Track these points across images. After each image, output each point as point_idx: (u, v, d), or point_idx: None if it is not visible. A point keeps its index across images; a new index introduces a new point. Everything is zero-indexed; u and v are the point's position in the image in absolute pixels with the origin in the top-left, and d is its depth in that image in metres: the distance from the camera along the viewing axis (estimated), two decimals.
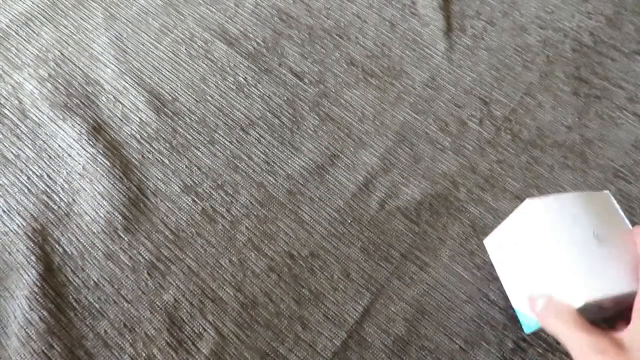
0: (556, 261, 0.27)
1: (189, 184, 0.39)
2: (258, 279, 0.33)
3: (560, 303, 0.28)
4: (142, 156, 0.41)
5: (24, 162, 0.40)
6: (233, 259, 0.37)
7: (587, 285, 0.26)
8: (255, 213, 0.39)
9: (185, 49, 0.45)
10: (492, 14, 0.46)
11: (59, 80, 0.43)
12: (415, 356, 0.34)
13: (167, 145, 0.41)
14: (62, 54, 0.45)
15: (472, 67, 0.44)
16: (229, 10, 0.47)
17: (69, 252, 0.37)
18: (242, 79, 0.44)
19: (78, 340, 0.34)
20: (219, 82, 0.43)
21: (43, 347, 0.34)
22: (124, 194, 0.39)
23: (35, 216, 0.38)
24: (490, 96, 0.43)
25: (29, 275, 0.36)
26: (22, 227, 0.38)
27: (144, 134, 0.41)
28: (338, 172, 0.40)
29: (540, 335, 0.34)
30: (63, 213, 0.38)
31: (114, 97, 0.43)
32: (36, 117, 0.42)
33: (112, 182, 0.39)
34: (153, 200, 0.39)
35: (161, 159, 0.40)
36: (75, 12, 0.47)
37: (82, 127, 0.41)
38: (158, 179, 0.40)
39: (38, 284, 0.36)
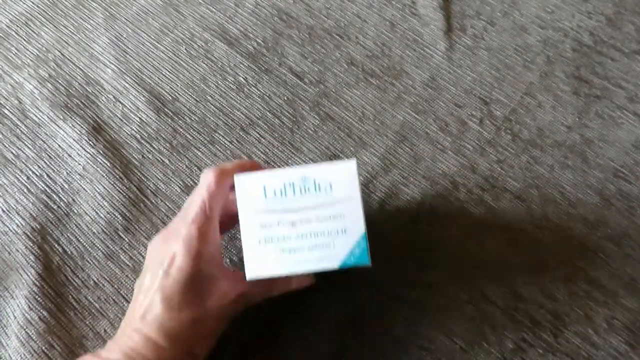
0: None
1: (189, 184, 0.39)
2: None
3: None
4: (142, 156, 0.41)
5: (23, 162, 0.40)
6: (234, 258, 0.37)
7: None
8: None
9: (185, 49, 0.45)
10: (492, 13, 0.46)
11: (59, 80, 0.44)
12: (415, 356, 0.34)
13: (167, 145, 0.41)
14: (62, 54, 0.45)
15: (472, 67, 0.44)
16: (229, 10, 0.47)
17: (69, 252, 0.37)
18: (242, 79, 0.44)
19: (78, 339, 0.34)
20: (219, 82, 0.44)
21: (43, 347, 0.34)
22: (124, 194, 0.39)
23: (35, 216, 0.38)
24: (490, 96, 0.43)
25: (28, 275, 0.36)
26: (21, 226, 0.38)
27: (144, 134, 0.41)
28: None
29: (541, 335, 0.35)
30: (63, 213, 0.38)
31: (114, 97, 0.43)
32: (36, 117, 0.42)
33: (112, 182, 0.39)
34: (153, 200, 0.39)
35: (161, 159, 0.40)
36: (75, 12, 0.47)
37: (82, 127, 0.41)
38: (158, 179, 0.40)
39: (37, 283, 0.36)
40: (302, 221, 0.27)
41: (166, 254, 0.28)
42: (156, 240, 0.30)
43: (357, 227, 0.27)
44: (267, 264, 0.26)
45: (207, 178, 0.29)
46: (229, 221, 0.32)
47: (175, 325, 0.27)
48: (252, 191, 0.27)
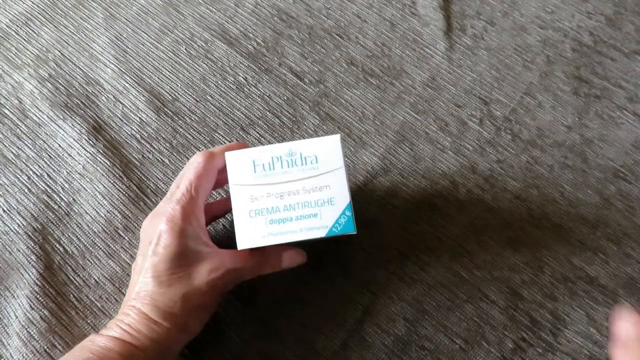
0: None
1: None
2: (259, 278, 0.33)
3: None
4: (142, 156, 0.41)
5: (24, 162, 0.40)
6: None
7: None
8: None
9: (185, 49, 0.45)
10: (492, 13, 0.46)
11: (59, 80, 0.44)
12: (415, 356, 0.34)
13: (167, 145, 0.41)
14: (62, 53, 0.45)
15: (472, 67, 0.44)
16: (229, 10, 0.47)
17: (70, 251, 0.37)
18: (242, 79, 0.44)
19: (80, 338, 0.34)
20: (219, 82, 0.44)
21: (45, 346, 0.34)
22: (124, 193, 0.39)
23: (36, 216, 0.38)
24: (490, 96, 0.43)
25: (29, 275, 0.36)
26: (22, 226, 0.38)
27: (144, 133, 0.41)
28: None
29: (541, 335, 0.35)
30: (63, 212, 0.38)
31: (114, 97, 0.43)
32: (36, 116, 0.42)
33: (112, 182, 0.39)
34: (153, 200, 0.39)
35: (161, 159, 0.41)
36: (75, 12, 0.47)
37: (82, 126, 0.41)
38: (158, 178, 0.40)
39: (39, 283, 0.36)
40: (289, 193, 0.28)
41: (154, 234, 0.29)
42: (146, 222, 0.31)
43: (342, 197, 0.27)
44: (257, 235, 0.27)
45: (195, 160, 0.30)
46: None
47: (167, 301, 0.28)
48: (241, 166, 0.28)
